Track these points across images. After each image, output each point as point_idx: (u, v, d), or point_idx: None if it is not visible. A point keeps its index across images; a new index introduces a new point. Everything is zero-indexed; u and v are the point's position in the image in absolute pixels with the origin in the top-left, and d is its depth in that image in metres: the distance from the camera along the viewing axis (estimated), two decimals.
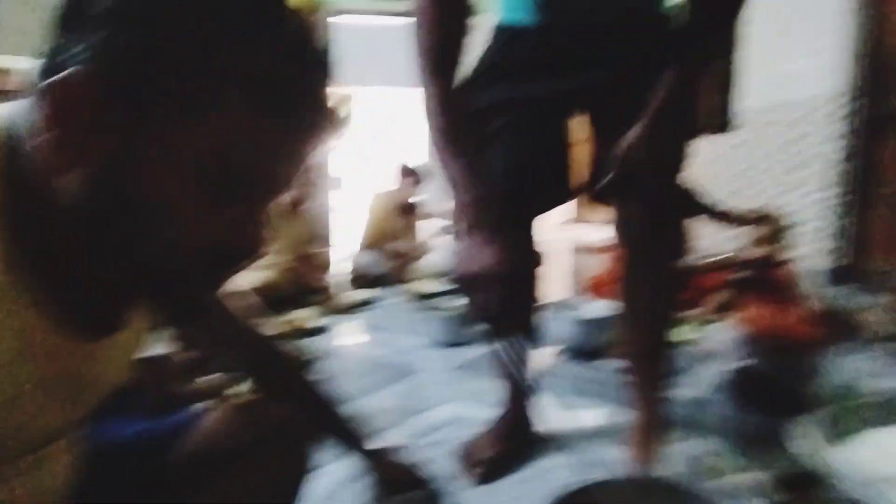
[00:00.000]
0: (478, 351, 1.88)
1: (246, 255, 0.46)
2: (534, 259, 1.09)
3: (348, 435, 0.77)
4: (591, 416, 1.39)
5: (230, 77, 0.39)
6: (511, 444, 1.14)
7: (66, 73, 0.36)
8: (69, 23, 0.38)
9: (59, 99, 0.36)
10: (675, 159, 0.97)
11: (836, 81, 3.03)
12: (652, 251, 1.02)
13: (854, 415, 0.98)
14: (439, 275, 3.14)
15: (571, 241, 5.58)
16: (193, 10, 0.38)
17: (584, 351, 1.87)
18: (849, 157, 3.07)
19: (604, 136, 1.00)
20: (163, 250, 0.41)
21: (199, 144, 0.39)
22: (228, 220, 0.43)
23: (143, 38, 0.37)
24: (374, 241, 3.16)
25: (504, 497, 1.02)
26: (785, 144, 3.42)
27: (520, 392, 1.18)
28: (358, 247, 3.21)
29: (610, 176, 0.91)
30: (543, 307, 1.94)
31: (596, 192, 1.04)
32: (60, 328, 0.43)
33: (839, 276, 3.13)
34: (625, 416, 1.16)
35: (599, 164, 1.00)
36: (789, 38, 3.41)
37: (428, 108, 0.88)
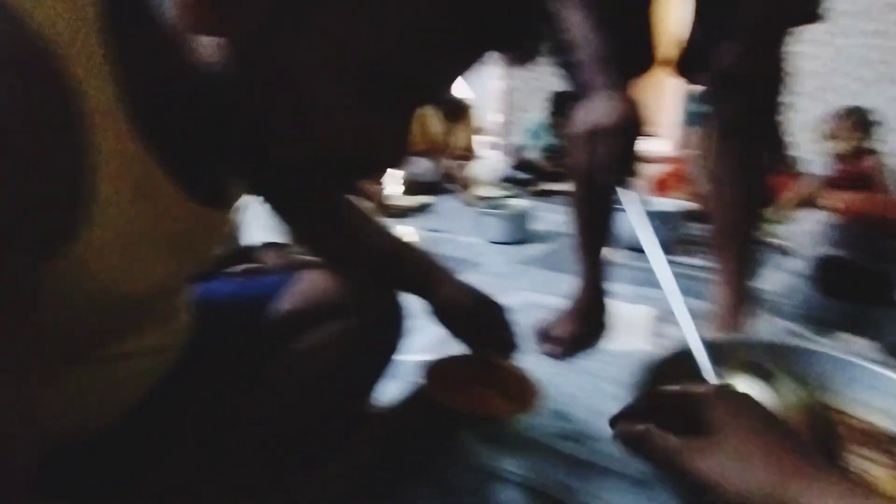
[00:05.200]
0: (537, 249, 1.87)
1: (383, 166, 0.43)
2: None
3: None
4: (661, 305, 1.37)
5: None
6: (586, 324, 1.15)
7: None
8: None
9: None
10: (776, 68, 0.96)
11: None
12: (747, 146, 1.03)
13: None
14: (495, 181, 3.10)
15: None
16: None
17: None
18: None
19: (701, 18, 1.01)
20: (294, 144, 0.38)
21: (353, 37, 0.34)
22: (370, 127, 0.38)
23: None
24: (425, 148, 3.11)
25: (584, 371, 1.03)
26: (872, 37, 3.10)
27: (598, 272, 1.17)
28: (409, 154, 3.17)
29: (710, 76, 0.96)
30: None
31: (683, 69, 1.08)
32: (181, 192, 0.42)
33: None
34: (695, 304, 1.14)
35: (692, 43, 1.03)
36: None
37: None
